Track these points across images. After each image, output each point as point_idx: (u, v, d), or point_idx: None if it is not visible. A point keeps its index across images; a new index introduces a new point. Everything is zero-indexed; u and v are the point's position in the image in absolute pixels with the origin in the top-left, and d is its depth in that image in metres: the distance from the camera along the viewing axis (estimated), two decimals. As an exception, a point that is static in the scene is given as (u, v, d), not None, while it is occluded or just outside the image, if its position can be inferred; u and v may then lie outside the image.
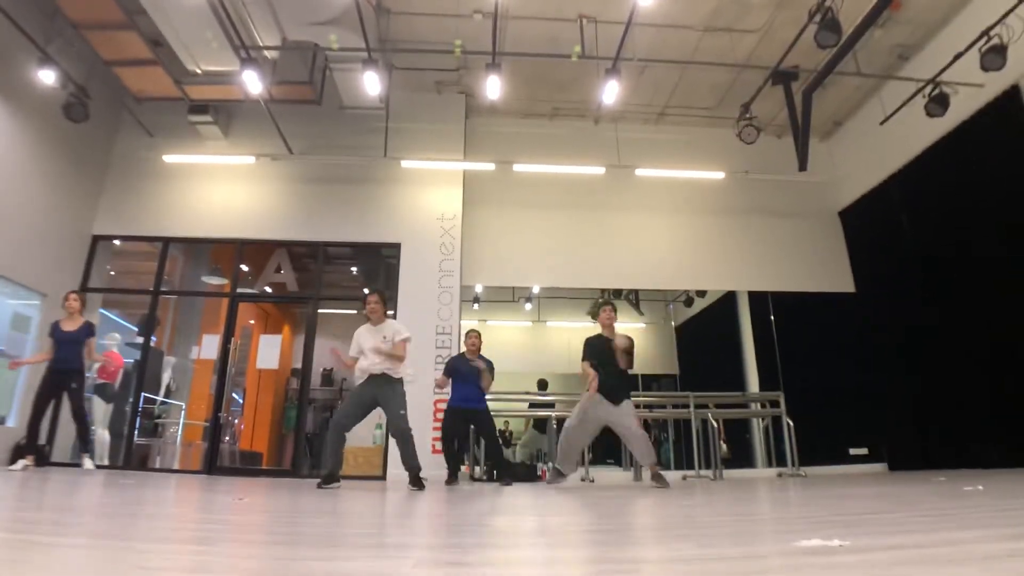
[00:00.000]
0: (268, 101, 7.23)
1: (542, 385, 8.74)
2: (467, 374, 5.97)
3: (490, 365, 6.09)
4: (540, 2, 6.99)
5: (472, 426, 6.29)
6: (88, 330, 5.80)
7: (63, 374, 5.62)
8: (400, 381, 4.96)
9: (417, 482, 4.82)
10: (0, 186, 6.47)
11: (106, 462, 7.13)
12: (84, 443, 5.85)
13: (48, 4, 6.36)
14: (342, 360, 5.03)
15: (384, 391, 4.85)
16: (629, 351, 5.21)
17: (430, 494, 4.27)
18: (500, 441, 6.34)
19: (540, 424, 8.58)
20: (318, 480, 4.79)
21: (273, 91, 7.32)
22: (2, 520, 2.11)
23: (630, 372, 5.28)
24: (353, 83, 7.37)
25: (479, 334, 6.21)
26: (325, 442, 5.07)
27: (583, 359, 5.35)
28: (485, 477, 6.93)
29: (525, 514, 2.82)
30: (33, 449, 5.57)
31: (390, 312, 7.46)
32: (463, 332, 6.48)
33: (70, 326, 5.76)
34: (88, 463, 5.72)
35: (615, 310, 5.51)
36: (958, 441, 6.85)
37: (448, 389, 6.10)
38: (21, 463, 5.51)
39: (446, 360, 6.62)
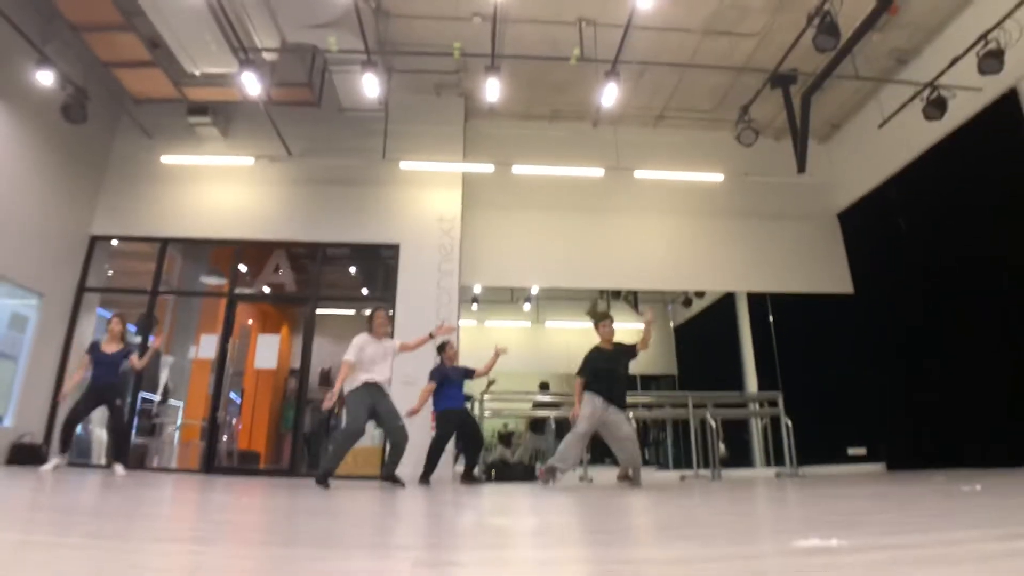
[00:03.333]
0: (267, 103, 7.23)
1: (543, 386, 8.75)
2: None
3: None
4: (539, 5, 6.99)
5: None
6: (125, 353, 5.99)
7: (102, 391, 5.82)
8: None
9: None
10: (-2, 186, 6.47)
11: (104, 462, 7.14)
12: (122, 454, 6.12)
13: (46, 5, 6.35)
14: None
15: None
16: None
17: (426, 494, 4.26)
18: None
19: (538, 425, 8.58)
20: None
21: (272, 93, 7.32)
22: (2, 520, 2.10)
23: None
24: (352, 85, 7.36)
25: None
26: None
27: (578, 373, 5.43)
28: (484, 477, 6.91)
29: (524, 514, 2.82)
30: (66, 450, 5.76)
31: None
32: (462, 333, 6.32)
33: (111, 348, 5.93)
34: (120, 470, 5.85)
35: (612, 321, 5.63)
36: (956, 441, 6.85)
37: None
38: (52, 463, 5.73)
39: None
